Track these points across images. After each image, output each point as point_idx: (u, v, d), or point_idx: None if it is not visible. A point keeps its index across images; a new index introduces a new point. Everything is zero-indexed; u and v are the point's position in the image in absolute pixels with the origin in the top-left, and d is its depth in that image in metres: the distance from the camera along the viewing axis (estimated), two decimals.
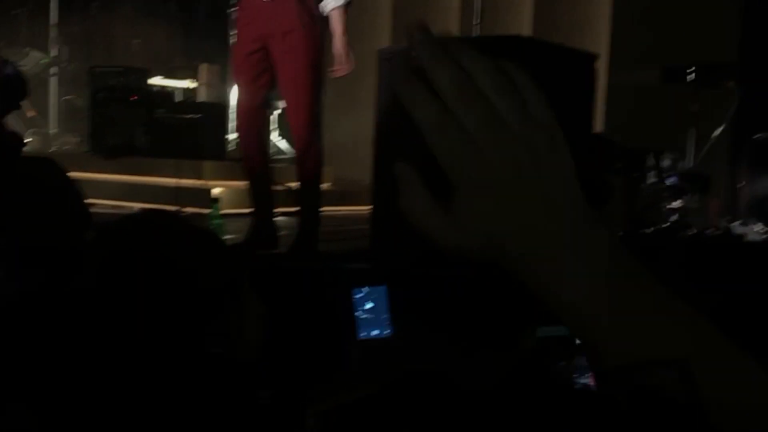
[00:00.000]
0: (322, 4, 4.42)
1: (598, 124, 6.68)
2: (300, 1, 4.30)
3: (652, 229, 5.38)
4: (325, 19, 4.44)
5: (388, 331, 1.86)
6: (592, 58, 4.23)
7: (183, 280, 1.48)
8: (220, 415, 1.46)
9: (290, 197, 6.10)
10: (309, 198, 4.54)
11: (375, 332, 1.85)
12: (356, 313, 1.81)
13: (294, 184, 4.89)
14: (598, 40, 7.82)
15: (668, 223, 5.51)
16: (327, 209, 6.06)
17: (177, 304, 1.46)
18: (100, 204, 6.16)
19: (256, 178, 4.57)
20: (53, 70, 9.93)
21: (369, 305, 1.81)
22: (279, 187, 6.33)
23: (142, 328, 1.42)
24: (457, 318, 2.46)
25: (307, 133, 4.41)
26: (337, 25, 4.40)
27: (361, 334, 1.84)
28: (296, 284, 2.33)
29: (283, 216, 6.27)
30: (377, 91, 4.34)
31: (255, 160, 4.54)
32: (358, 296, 1.80)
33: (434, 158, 0.65)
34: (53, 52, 10.00)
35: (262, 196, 4.58)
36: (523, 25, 8.10)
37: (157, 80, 8.97)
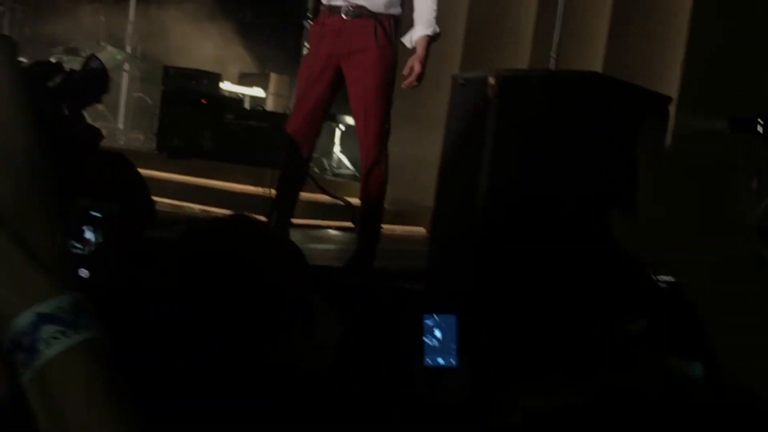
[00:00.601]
0: (407, 38, 4.50)
1: None
2: (378, 22, 4.36)
3: None
4: (398, 41, 4.51)
5: (454, 361, 1.87)
6: (667, 100, 4.21)
7: (265, 285, 1.50)
8: (283, 423, 1.47)
9: (349, 212, 6.15)
10: (371, 215, 4.58)
11: (441, 361, 1.85)
12: (424, 339, 1.82)
13: (355, 200, 4.92)
14: (669, 84, 7.78)
15: None
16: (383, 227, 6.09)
17: (256, 308, 1.48)
18: (161, 203, 6.25)
19: (292, 182, 4.63)
20: (126, 66, 10.10)
21: (438, 333, 1.83)
22: (339, 202, 6.38)
23: (218, 332, 1.44)
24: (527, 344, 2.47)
25: (375, 151, 4.46)
26: (421, 49, 4.46)
27: (428, 361, 1.85)
28: (359, 300, 2.36)
29: (339, 230, 6.31)
30: (448, 116, 4.36)
31: (297, 167, 4.60)
32: (428, 322, 1.82)
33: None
34: (128, 49, 10.18)
35: (289, 200, 4.64)
36: (597, 61, 8.08)
37: (227, 86, 9.09)
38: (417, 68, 4.47)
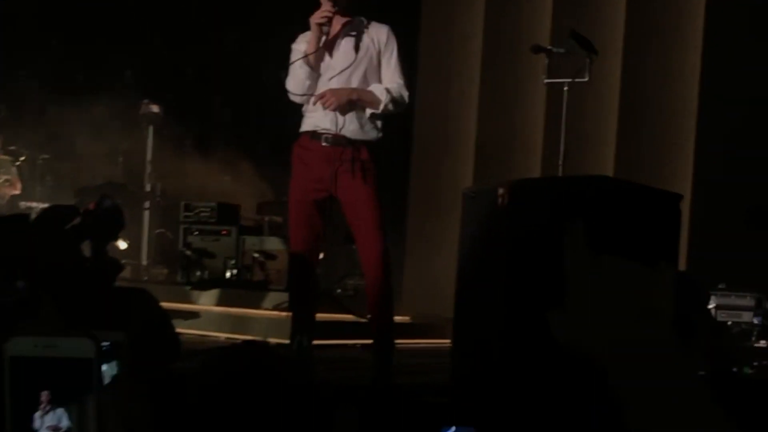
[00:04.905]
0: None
1: (683, 264, 6.65)
2: (355, 149, 4.51)
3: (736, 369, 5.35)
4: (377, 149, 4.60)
5: None
6: (677, 198, 4.26)
7: (278, 408, 1.54)
8: None
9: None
10: (382, 326, 4.62)
11: None
12: None
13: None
14: (682, 182, 7.85)
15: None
16: (406, 342, 6.08)
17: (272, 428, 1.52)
18: (189, 333, 6.30)
19: (304, 303, 4.69)
20: (147, 204, 10.29)
21: None
22: (362, 319, 6.41)
23: None
24: None
25: (377, 262, 4.54)
26: (352, 91, 4.55)
27: None
28: (382, 416, 2.37)
29: (362, 348, 6.31)
30: (461, 229, 4.44)
31: (305, 288, 4.66)
32: None
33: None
34: (147, 187, 10.39)
35: (306, 321, 4.67)
36: (607, 166, 8.17)
37: (247, 215, 9.23)
38: (329, 94, 4.51)
